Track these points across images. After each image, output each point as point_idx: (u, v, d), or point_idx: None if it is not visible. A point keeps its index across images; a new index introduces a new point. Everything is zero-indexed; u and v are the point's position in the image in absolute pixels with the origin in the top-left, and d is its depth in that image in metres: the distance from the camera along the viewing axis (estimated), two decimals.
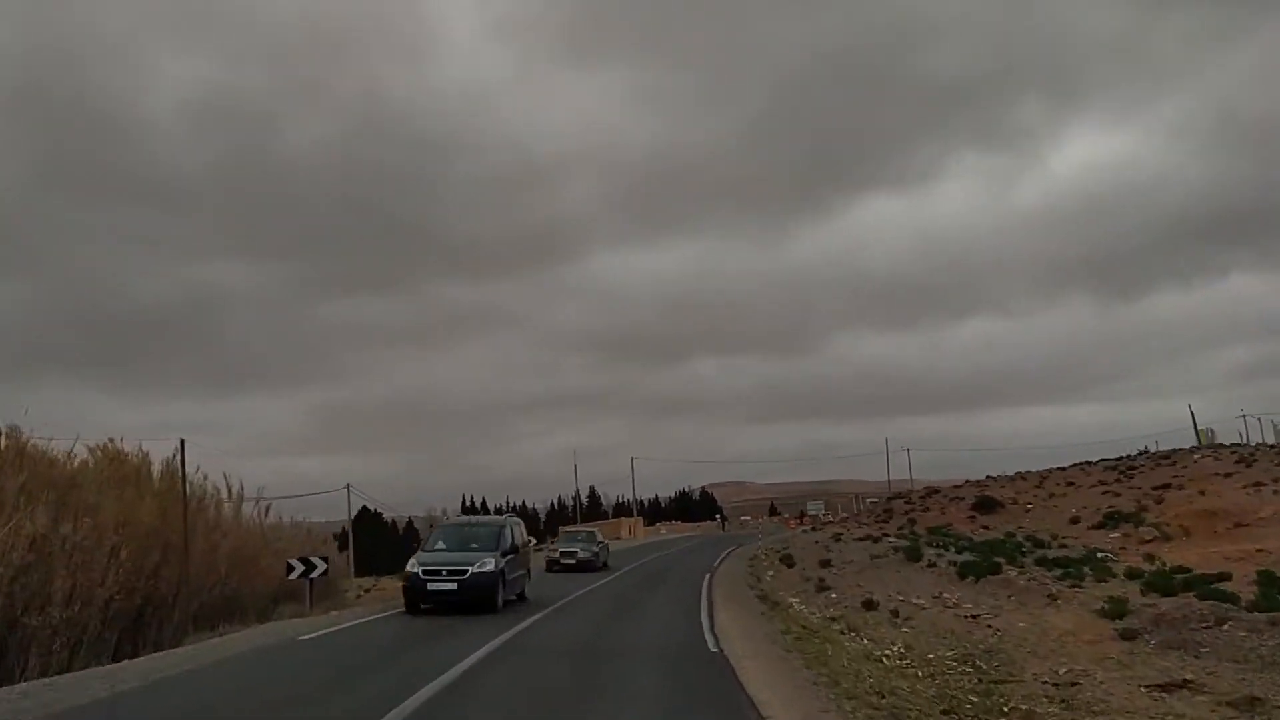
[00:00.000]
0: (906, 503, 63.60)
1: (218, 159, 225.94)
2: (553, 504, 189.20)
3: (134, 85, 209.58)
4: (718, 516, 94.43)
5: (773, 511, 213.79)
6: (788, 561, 35.89)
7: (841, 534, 50.73)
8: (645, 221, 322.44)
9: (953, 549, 34.27)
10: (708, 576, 31.39)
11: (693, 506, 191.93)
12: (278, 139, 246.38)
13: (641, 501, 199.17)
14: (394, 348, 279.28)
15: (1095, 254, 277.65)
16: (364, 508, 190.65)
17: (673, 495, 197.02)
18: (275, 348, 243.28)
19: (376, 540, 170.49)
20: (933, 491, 68.20)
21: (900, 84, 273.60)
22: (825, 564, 32.09)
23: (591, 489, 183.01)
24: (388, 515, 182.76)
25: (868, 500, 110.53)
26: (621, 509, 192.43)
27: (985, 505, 42.52)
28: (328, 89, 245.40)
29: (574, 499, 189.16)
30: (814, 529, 70.78)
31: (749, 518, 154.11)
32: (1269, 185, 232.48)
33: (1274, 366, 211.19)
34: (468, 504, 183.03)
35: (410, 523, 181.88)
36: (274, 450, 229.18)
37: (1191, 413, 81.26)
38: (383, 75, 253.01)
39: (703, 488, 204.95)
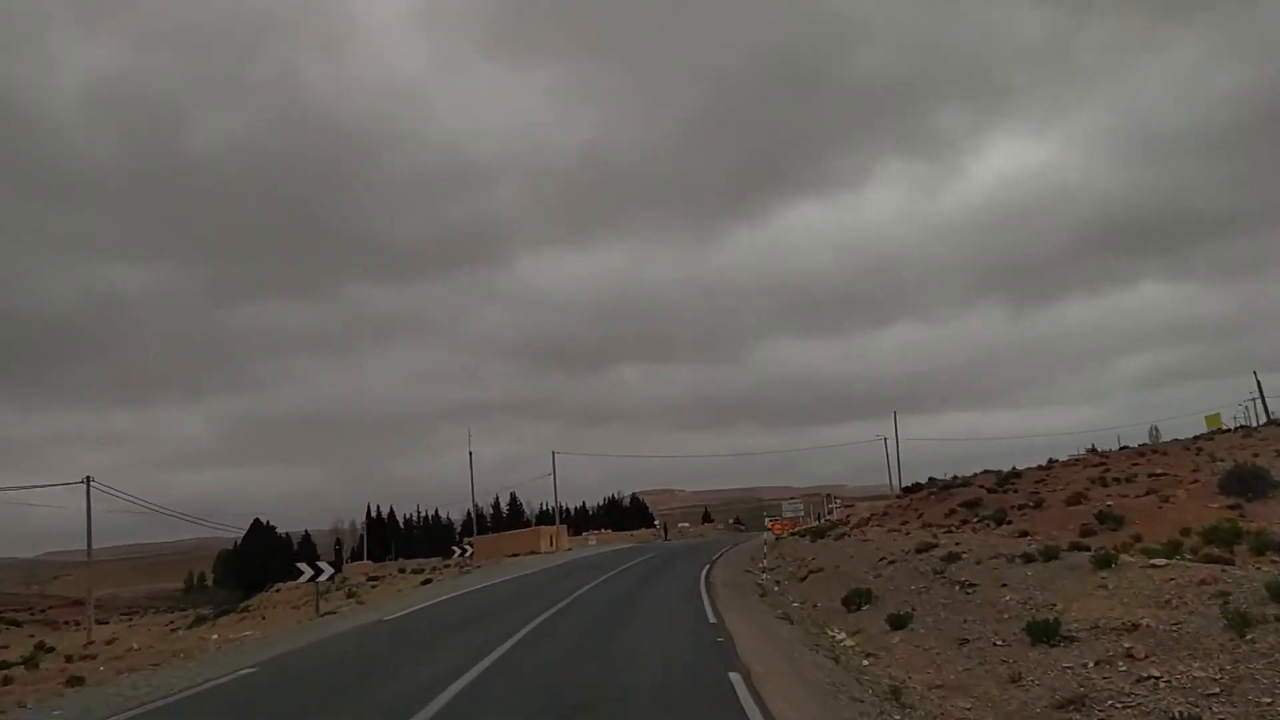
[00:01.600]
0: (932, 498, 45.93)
1: (122, 151, 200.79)
2: (469, 513, 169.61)
3: (32, 71, 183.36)
4: (656, 524, 75.13)
5: (706, 518, 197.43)
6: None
7: (891, 554, 32.81)
8: (574, 225, 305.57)
9: None
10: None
11: (623, 513, 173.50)
12: (187, 131, 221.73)
13: (567, 508, 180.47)
14: (310, 354, 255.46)
15: (1012, 262, 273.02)
16: (256, 521, 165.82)
17: (601, 502, 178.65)
18: (183, 354, 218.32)
19: (269, 555, 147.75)
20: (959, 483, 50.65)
21: (830, 87, 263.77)
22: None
23: (513, 495, 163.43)
24: (282, 529, 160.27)
25: (835, 501, 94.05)
26: (546, 517, 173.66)
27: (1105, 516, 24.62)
28: (241, 79, 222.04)
29: (491, 506, 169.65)
30: (801, 531, 53.17)
31: (687, 524, 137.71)
32: (1180, 196, 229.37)
33: (1179, 373, 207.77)
34: (373, 515, 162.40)
35: (307, 535, 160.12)
36: (178, 463, 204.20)
37: (1258, 383, 62.88)
38: (299, 65, 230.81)
39: (633, 495, 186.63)
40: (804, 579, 23.55)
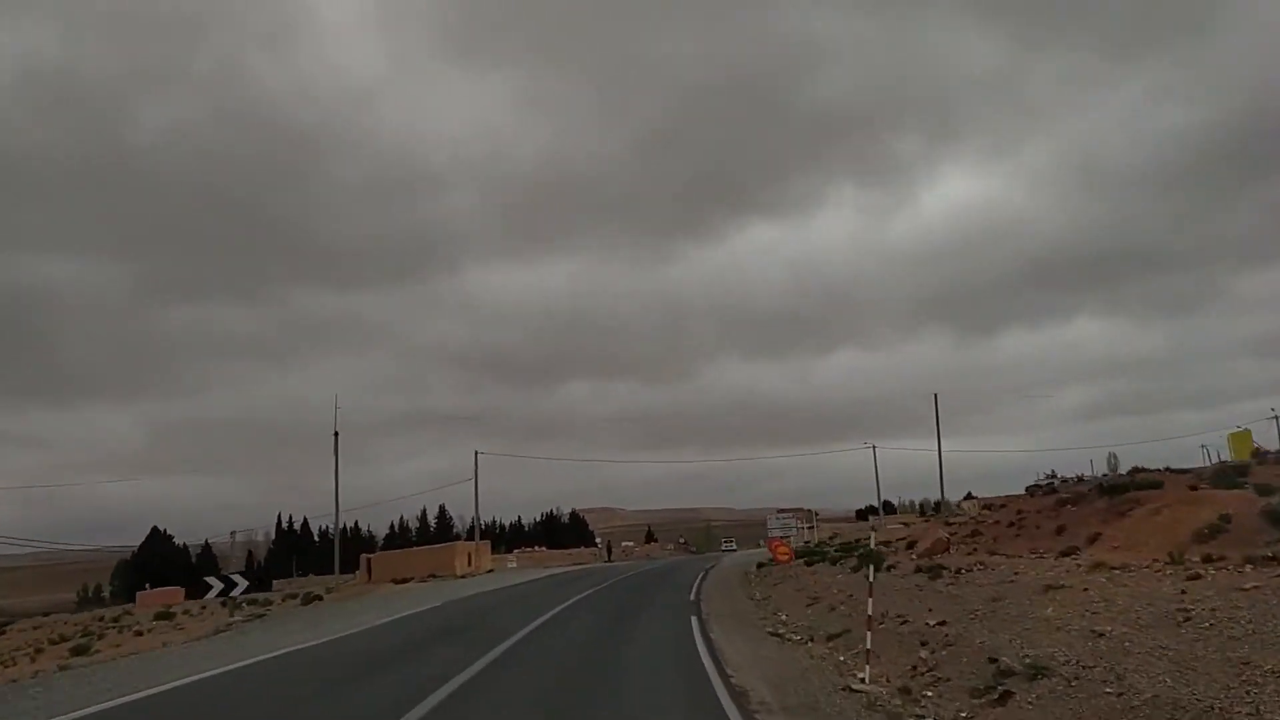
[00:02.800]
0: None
1: (54, 141, 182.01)
2: (393, 526, 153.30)
3: None
4: (598, 542, 60.58)
5: (650, 537, 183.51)
6: None
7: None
8: (525, 236, 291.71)
9: None
10: None
11: (561, 531, 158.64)
12: (125, 122, 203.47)
13: (501, 524, 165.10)
14: (247, 359, 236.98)
15: (956, 291, 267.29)
16: (154, 529, 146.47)
17: (538, 518, 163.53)
18: (112, 356, 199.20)
19: (168, 565, 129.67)
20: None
21: (788, 110, 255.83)
22: None
23: (441, 508, 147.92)
24: (179, 539, 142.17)
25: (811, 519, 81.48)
26: (490, 535, 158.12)
27: None
28: (184, 70, 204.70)
29: (417, 518, 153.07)
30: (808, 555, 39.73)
31: (631, 543, 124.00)
32: (1118, 233, 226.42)
33: (1111, 406, 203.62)
34: (284, 526, 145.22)
35: (206, 546, 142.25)
36: (102, 467, 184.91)
37: None
38: (246, 59, 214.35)
39: (573, 511, 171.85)
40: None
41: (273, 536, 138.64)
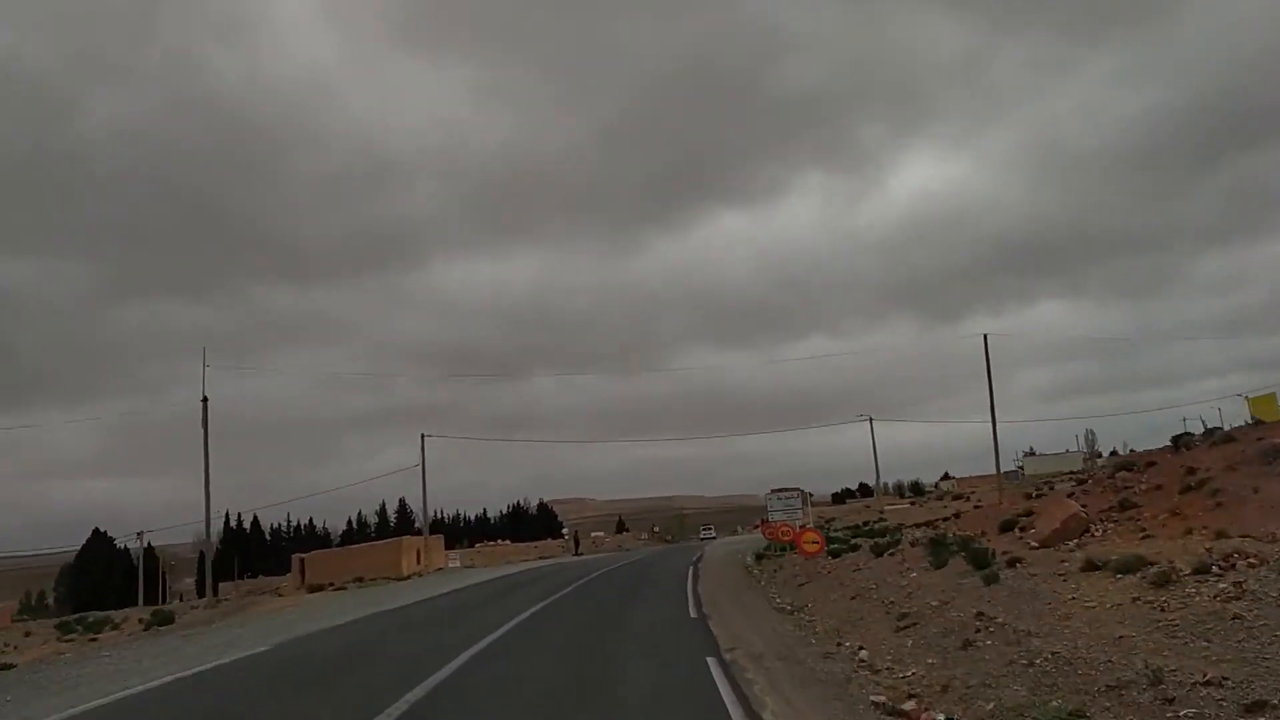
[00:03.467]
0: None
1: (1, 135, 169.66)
2: (351, 521, 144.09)
3: None
4: (565, 534, 52.41)
5: (621, 527, 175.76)
6: None
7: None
8: (490, 228, 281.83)
9: None
10: None
11: (529, 522, 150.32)
12: (76, 116, 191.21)
13: (465, 518, 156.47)
14: (209, 358, 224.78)
15: (921, 277, 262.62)
16: (95, 531, 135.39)
17: (504, 510, 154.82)
18: (68, 356, 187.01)
19: (109, 570, 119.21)
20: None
21: (754, 96, 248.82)
22: None
23: (401, 502, 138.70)
24: (121, 542, 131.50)
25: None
26: (440, 525, 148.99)
27: None
28: (136, 61, 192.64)
29: (376, 513, 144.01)
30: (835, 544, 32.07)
31: (602, 533, 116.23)
32: (1081, 217, 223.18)
33: (1072, 389, 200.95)
34: (232, 524, 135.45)
35: (149, 549, 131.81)
36: (59, 470, 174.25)
37: None
38: (201, 50, 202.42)
39: (540, 500, 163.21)
40: None
41: (221, 536, 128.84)
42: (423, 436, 51.84)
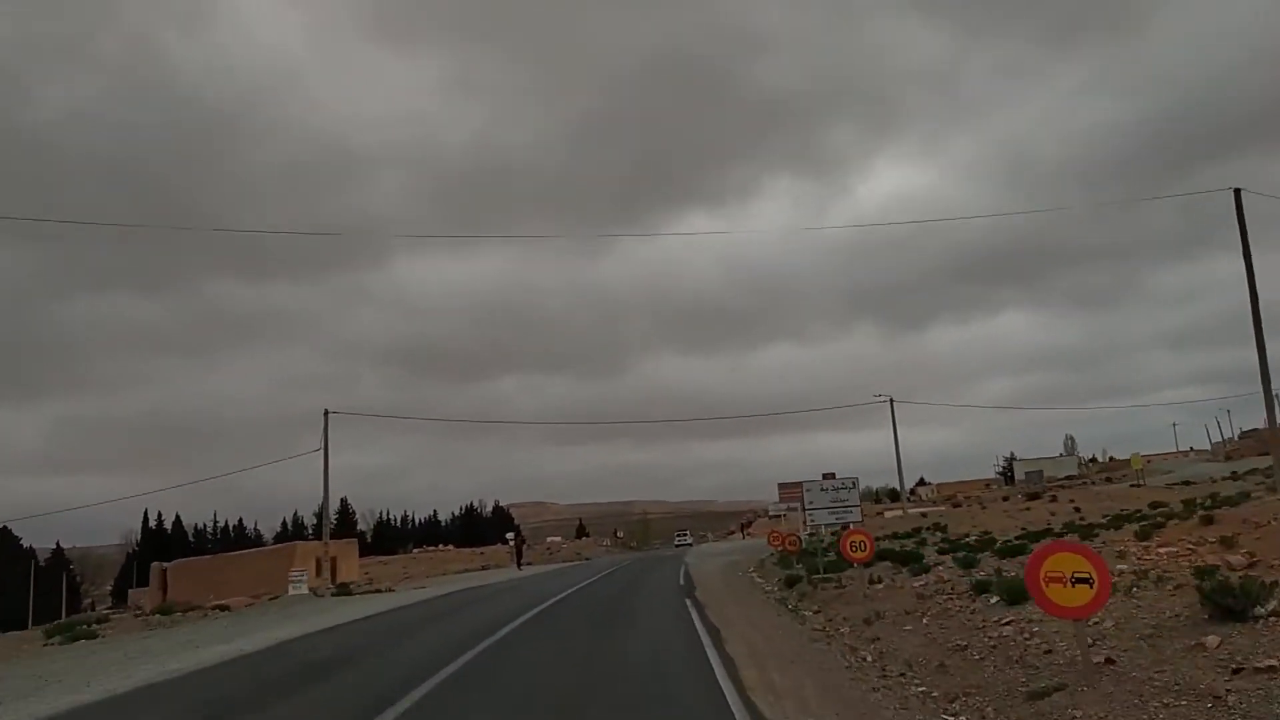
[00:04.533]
0: None
1: None
2: (285, 524, 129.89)
3: None
4: (510, 538, 39.84)
5: (581, 531, 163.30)
6: None
7: None
8: (456, 225, 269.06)
9: None
10: None
11: (483, 526, 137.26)
12: (22, 101, 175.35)
13: (413, 519, 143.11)
14: (161, 354, 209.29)
15: (887, 285, 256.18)
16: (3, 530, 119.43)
17: (456, 512, 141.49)
18: (10, 349, 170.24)
19: (7, 572, 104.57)
20: None
21: (727, 97, 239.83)
22: None
23: (344, 502, 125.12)
24: (27, 541, 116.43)
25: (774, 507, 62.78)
26: (386, 529, 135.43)
27: None
28: (88, 46, 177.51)
29: (314, 514, 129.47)
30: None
31: (559, 539, 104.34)
32: (1045, 227, 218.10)
33: (1031, 399, 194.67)
34: (150, 525, 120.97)
35: (57, 548, 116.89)
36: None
37: None
38: (158, 35, 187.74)
39: (496, 503, 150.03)
40: None
41: (138, 538, 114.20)
42: (326, 414, 39.45)
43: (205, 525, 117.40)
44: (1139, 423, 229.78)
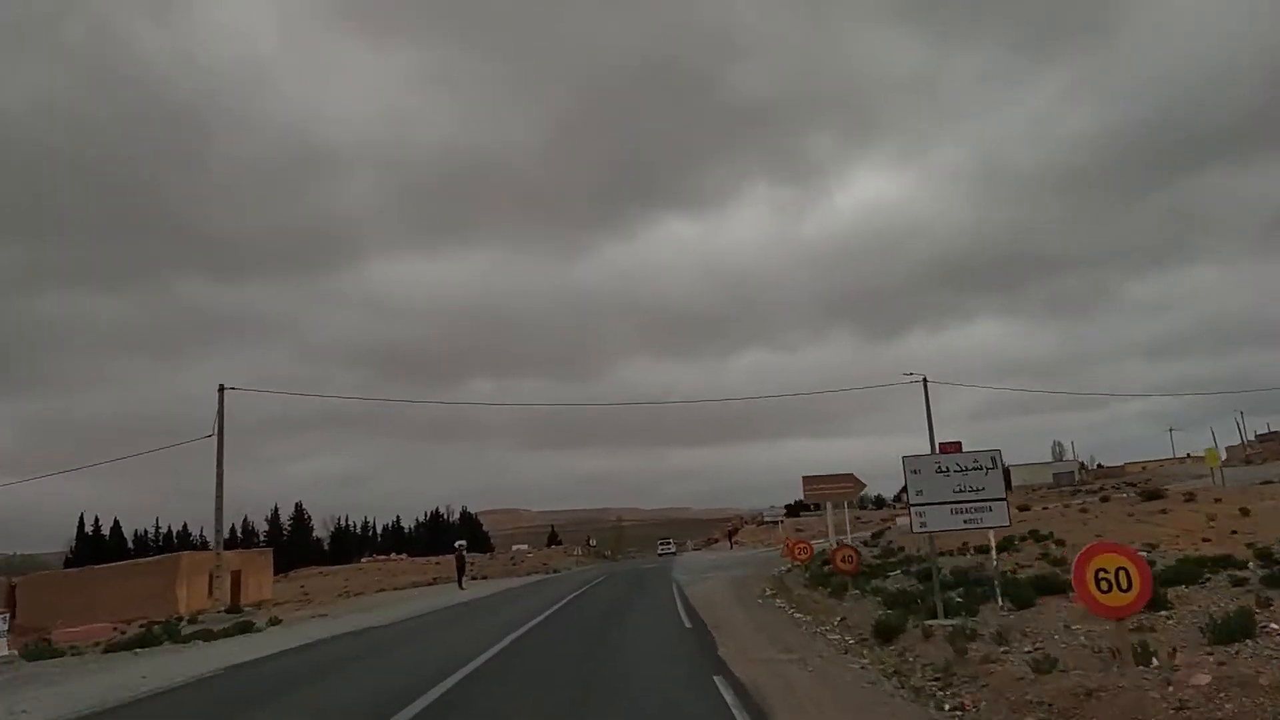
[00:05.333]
0: None
1: None
2: (235, 528, 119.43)
3: None
4: (456, 549, 31.15)
5: (553, 539, 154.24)
6: None
7: None
8: (431, 226, 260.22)
9: None
10: None
11: (449, 533, 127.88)
12: None
13: (371, 526, 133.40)
14: (128, 354, 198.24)
15: (863, 292, 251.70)
16: None
17: (420, 519, 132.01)
18: None
19: None
20: None
21: (706, 101, 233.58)
22: None
23: (298, 506, 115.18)
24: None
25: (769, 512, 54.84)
26: (344, 535, 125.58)
27: None
28: (51, 35, 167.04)
29: (266, 518, 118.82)
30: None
31: (526, 547, 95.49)
32: (1020, 236, 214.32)
33: (1004, 407, 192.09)
34: (86, 530, 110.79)
35: None
36: None
37: None
38: (125, 25, 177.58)
39: (463, 509, 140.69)
40: None
41: (73, 544, 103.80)
42: (221, 389, 30.93)
43: (147, 530, 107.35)
44: (1112, 432, 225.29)
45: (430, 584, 44.41)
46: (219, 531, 30.09)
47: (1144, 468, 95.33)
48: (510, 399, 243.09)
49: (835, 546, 19.52)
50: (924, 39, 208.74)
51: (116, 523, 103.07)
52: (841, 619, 12.70)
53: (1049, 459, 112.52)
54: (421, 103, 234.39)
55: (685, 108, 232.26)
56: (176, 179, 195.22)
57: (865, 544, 30.07)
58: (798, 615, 14.45)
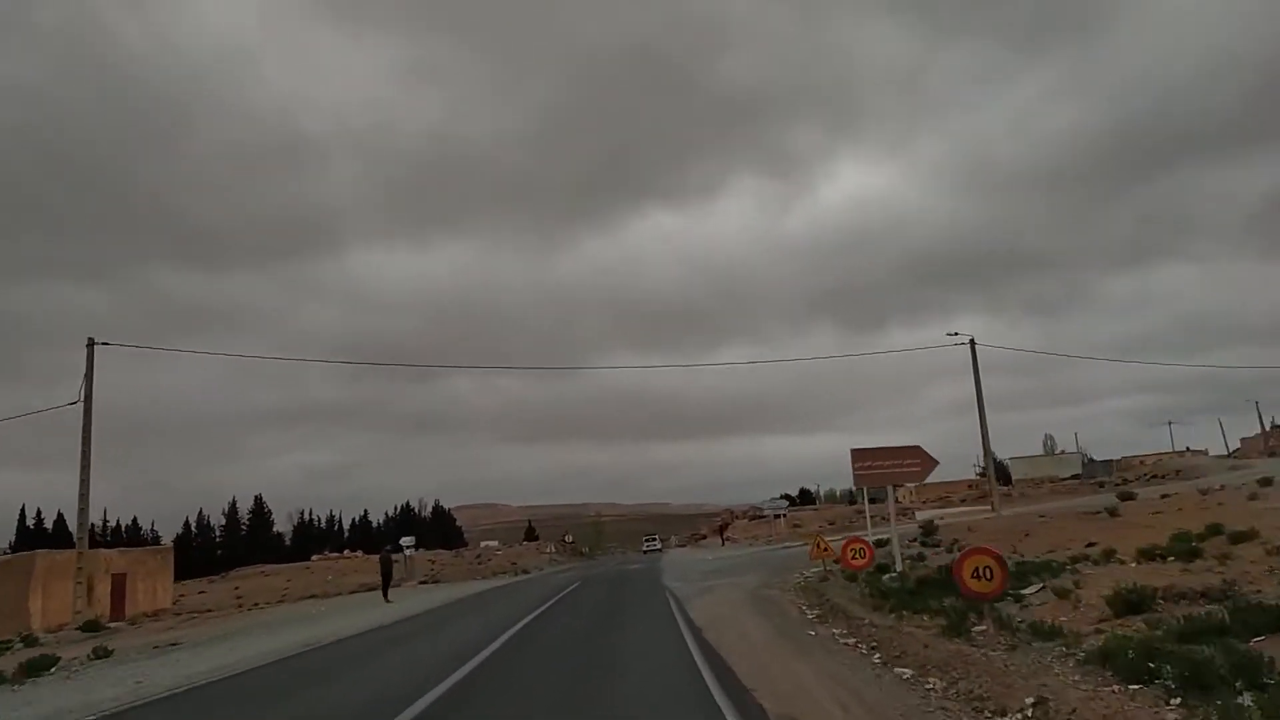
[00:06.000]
0: None
1: None
2: (188, 522, 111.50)
3: None
4: (384, 552, 23.99)
5: (530, 535, 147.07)
6: None
7: None
8: (412, 217, 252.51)
9: None
10: None
11: (422, 529, 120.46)
12: None
13: (337, 521, 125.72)
14: (101, 346, 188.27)
15: (845, 287, 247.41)
16: None
17: (391, 512, 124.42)
18: None
19: None
20: None
21: (693, 91, 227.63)
22: None
23: (258, 499, 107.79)
24: None
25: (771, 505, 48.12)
26: (308, 530, 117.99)
27: None
28: (23, 19, 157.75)
29: (226, 509, 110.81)
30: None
31: (494, 543, 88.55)
32: (1002, 233, 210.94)
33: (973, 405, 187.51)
34: (28, 524, 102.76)
35: None
36: None
37: None
38: (100, 10, 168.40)
39: (436, 502, 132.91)
40: None
41: (13, 540, 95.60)
42: (90, 343, 23.96)
43: (94, 524, 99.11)
44: (1087, 428, 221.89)
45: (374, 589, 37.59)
46: (82, 524, 23.11)
47: (1141, 461, 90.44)
48: (491, 392, 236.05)
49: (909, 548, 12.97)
50: (912, 33, 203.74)
51: (60, 515, 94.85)
52: (1035, 702, 6.17)
53: (1041, 451, 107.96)
54: (405, 92, 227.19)
55: (672, 97, 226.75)
56: (153, 166, 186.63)
57: (919, 541, 23.61)
58: (904, 673, 7.90)
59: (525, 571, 42.78)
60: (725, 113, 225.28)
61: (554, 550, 69.65)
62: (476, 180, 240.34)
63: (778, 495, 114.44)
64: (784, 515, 39.84)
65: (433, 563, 53.81)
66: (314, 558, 60.25)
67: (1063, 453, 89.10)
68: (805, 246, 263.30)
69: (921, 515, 39.96)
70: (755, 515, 57.60)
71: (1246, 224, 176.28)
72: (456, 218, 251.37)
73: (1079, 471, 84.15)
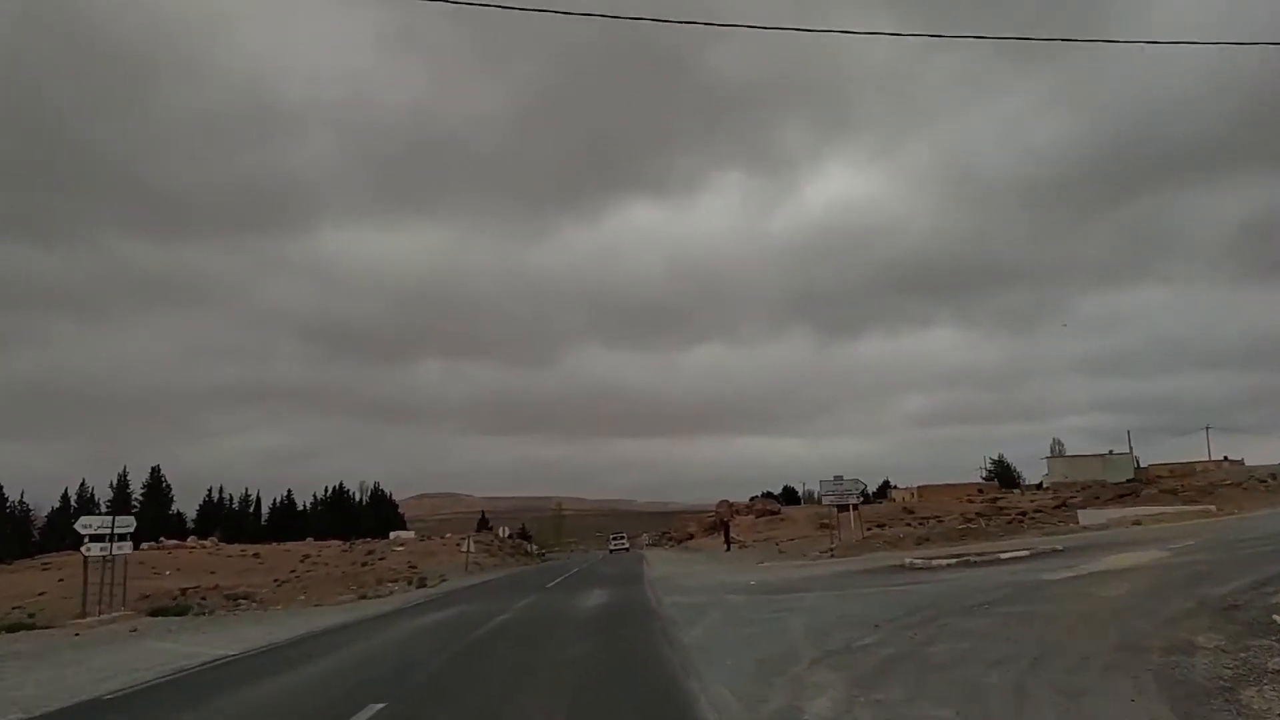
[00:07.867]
0: None
1: None
2: (65, 496, 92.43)
3: None
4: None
5: (483, 524, 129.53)
6: None
7: None
8: (387, 195, 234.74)
9: None
10: None
11: (357, 516, 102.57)
12: None
13: (253, 502, 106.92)
14: (51, 312, 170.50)
15: (823, 290, 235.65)
16: None
17: (322, 494, 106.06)
18: None
19: None
20: None
21: (684, 80, 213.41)
22: None
23: (155, 470, 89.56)
24: None
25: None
26: (214, 510, 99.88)
27: None
28: None
29: (115, 483, 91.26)
30: None
31: (409, 533, 71.55)
32: (979, 245, 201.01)
33: (949, 416, 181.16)
34: None
35: None
36: None
37: None
38: None
39: (375, 485, 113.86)
40: None
41: None
42: None
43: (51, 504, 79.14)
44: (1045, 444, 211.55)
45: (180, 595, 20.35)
46: None
47: (1171, 471, 76.92)
48: (461, 381, 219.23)
49: None
50: (914, 28, 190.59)
51: (1, 491, 73.66)
52: None
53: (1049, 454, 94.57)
54: (383, 64, 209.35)
55: (659, 84, 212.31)
56: (111, 126, 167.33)
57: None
58: None
59: (424, 584, 25.87)
60: (714, 104, 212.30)
61: (494, 543, 51.12)
62: (454, 161, 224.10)
63: (760, 494, 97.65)
64: (856, 507, 23.05)
65: (258, 558, 36.94)
66: (144, 546, 42.53)
67: (1110, 453, 73.48)
68: (787, 247, 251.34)
69: (1087, 516, 23.71)
70: (766, 511, 41.85)
71: (1223, 248, 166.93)
72: (432, 199, 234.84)
73: (1132, 476, 69.27)
